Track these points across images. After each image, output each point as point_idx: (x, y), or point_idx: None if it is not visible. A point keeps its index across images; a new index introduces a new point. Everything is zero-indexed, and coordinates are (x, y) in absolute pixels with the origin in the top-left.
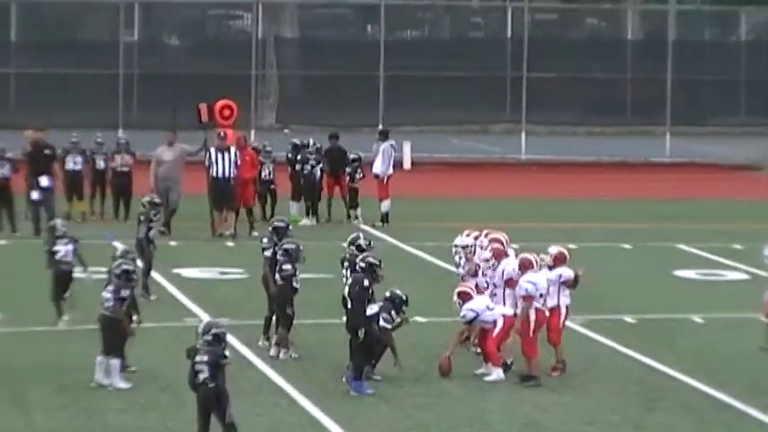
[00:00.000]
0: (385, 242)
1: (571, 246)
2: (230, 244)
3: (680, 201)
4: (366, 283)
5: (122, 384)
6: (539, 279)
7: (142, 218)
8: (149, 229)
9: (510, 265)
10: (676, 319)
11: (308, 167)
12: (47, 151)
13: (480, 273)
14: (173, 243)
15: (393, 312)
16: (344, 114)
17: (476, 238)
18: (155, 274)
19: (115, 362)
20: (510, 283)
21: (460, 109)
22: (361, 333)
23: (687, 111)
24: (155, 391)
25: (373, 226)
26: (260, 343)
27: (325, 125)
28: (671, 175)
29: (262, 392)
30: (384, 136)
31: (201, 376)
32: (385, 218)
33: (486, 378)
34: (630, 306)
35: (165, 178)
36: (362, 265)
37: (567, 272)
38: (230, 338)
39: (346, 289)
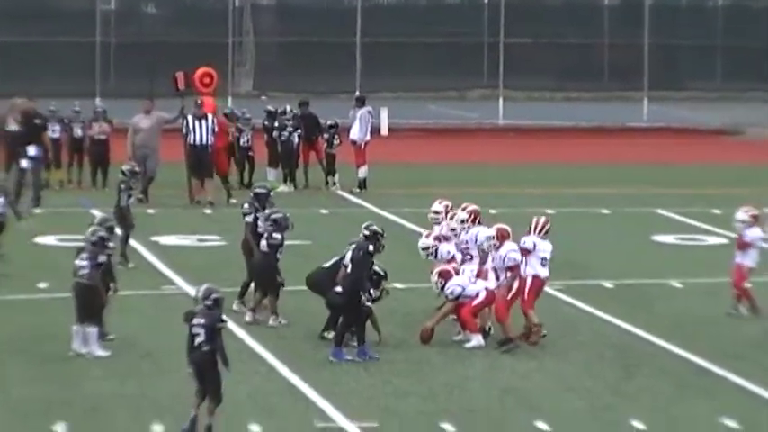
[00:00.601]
0: (363, 208)
1: (548, 211)
2: (208, 211)
3: (658, 166)
4: (371, 249)
5: (101, 352)
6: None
7: (122, 186)
8: (129, 197)
9: (510, 249)
10: (655, 284)
11: (285, 134)
12: (37, 121)
13: (454, 235)
14: (150, 211)
15: (372, 289)
16: (321, 81)
17: (448, 208)
18: (133, 242)
19: (93, 329)
20: (513, 269)
21: (437, 75)
22: (365, 298)
23: (664, 76)
24: (134, 358)
25: (351, 192)
26: (234, 306)
27: (302, 92)
28: (648, 139)
29: (241, 359)
30: (361, 102)
31: (198, 340)
32: (362, 184)
33: (466, 345)
34: (609, 271)
35: (143, 146)
36: (366, 233)
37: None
38: None
39: (348, 254)
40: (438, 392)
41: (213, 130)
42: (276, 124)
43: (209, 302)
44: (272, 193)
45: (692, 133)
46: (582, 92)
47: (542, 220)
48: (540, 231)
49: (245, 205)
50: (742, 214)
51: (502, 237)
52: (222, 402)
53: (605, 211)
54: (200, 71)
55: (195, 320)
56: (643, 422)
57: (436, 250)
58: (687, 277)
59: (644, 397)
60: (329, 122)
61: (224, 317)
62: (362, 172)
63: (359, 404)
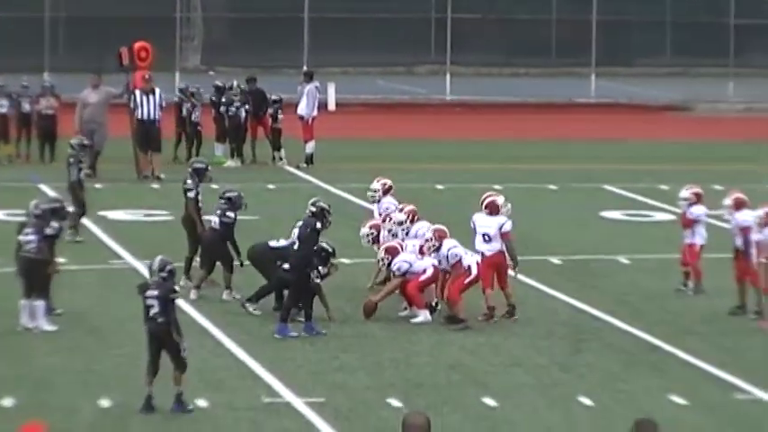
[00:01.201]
0: (310, 183)
1: (496, 187)
2: (155, 186)
3: (606, 142)
4: (318, 226)
5: (48, 327)
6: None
7: (71, 160)
8: (79, 170)
9: (450, 246)
10: (603, 260)
11: (233, 109)
12: None
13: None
14: (98, 185)
15: (320, 266)
16: (269, 56)
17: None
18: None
19: (40, 303)
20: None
21: (385, 50)
22: (314, 275)
23: (612, 51)
24: (81, 333)
25: (298, 167)
26: (180, 282)
27: (249, 67)
28: (596, 115)
29: (188, 334)
30: (308, 77)
31: (152, 311)
32: (309, 159)
33: (413, 320)
34: (557, 247)
35: (90, 121)
36: (313, 209)
37: (507, 224)
38: None
39: (296, 231)
40: (385, 367)
41: (161, 104)
42: (224, 99)
43: (164, 274)
44: (209, 168)
45: (641, 109)
46: (529, 67)
47: (489, 197)
48: (485, 208)
49: (188, 181)
50: (685, 192)
51: (440, 237)
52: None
53: (553, 187)
54: (137, 45)
55: (149, 292)
56: (591, 398)
57: (377, 235)
58: (635, 253)
59: (592, 373)
60: (273, 97)
61: (177, 288)
62: (310, 147)
63: (306, 379)
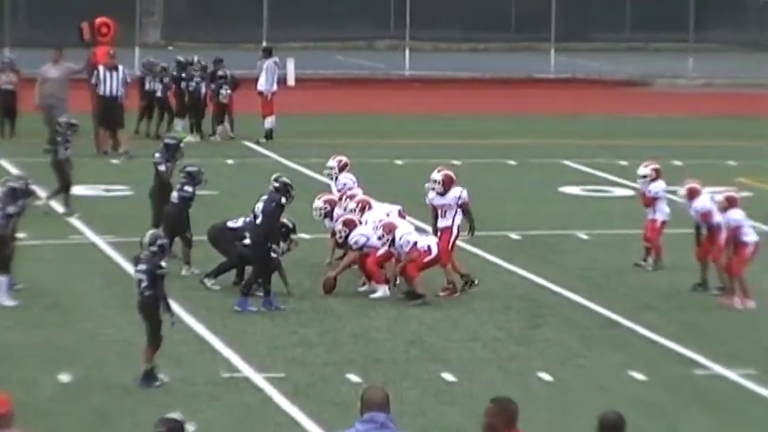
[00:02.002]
0: (269, 159)
1: (455, 162)
2: (115, 161)
3: (565, 117)
4: (283, 201)
5: (9, 302)
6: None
7: (60, 139)
8: (66, 149)
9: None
10: (561, 236)
11: (193, 85)
12: None
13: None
14: None
15: (281, 242)
16: (229, 31)
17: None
18: (42, 192)
19: (3, 279)
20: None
21: (345, 25)
22: (277, 249)
23: (572, 26)
24: (41, 308)
25: (257, 143)
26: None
27: (210, 41)
28: (555, 90)
29: None
30: (267, 53)
31: (141, 285)
32: (269, 134)
33: (372, 295)
34: (515, 222)
35: (50, 96)
36: (276, 185)
37: (464, 193)
38: (115, 256)
39: (260, 204)
40: (344, 343)
41: (125, 81)
42: (184, 75)
43: (154, 248)
44: (182, 145)
45: (600, 84)
46: (489, 43)
47: (442, 171)
48: (441, 185)
49: (157, 155)
50: (643, 169)
51: (390, 230)
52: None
53: (512, 163)
54: (98, 21)
55: (139, 266)
56: (549, 373)
57: (330, 210)
58: (594, 228)
59: (550, 348)
60: (220, 73)
61: (163, 263)
62: (269, 122)
63: (265, 354)
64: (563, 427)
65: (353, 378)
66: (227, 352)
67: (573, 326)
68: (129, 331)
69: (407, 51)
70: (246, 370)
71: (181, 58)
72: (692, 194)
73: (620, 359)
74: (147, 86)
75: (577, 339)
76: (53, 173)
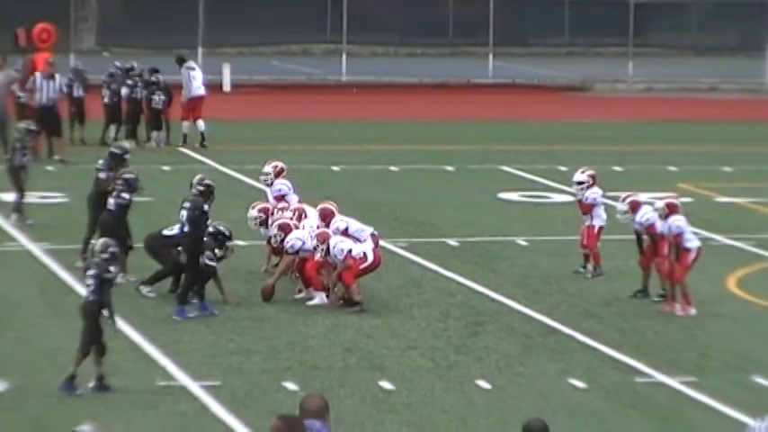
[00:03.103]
0: (204, 165)
1: (393, 168)
2: (50, 168)
3: (503, 122)
4: (206, 207)
5: None
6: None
7: (18, 145)
8: (24, 155)
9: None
10: (500, 242)
11: (129, 92)
12: None
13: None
14: None
15: (216, 249)
16: (164, 37)
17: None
18: None
19: None
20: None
21: (281, 30)
22: (203, 259)
23: (510, 31)
24: None
25: (183, 143)
26: (77, 264)
27: (144, 48)
28: (494, 96)
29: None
30: (181, 60)
31: (87, 290)
32: (184, 138)
33: (309, 302)
34: (454, 229)
35: None
36: (201, 188)
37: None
38: (50, 263)
39: (184, 213)
40: (281, 350)
41: (61, 89)
42: (129, 81)
43: (105, 255)
44: (127, 155)
45: (539, 89)
46: (426, 47)
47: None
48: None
49: (101, 161)
50: (580, 175)
51: (324, 240)
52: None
53: (450, 168)
54: (38, 27)
55: (89, 272)
56: (488, 381)
57: (265, 219)
58: (533, 235)
59: (489, 356)
60: (152, 78)
61: (112, 268)
62: (185, 127)
63: (201, 363)
64: None
65: (290, 386)
66: (164, 360)
67: (512, 333)
68: (64, 339)
69: (344, 56)
70: (183, 378)
71: (118, 64)
72: (635, 207)
73: (560, 366)
74: (75, 93)
75: (516, 347)
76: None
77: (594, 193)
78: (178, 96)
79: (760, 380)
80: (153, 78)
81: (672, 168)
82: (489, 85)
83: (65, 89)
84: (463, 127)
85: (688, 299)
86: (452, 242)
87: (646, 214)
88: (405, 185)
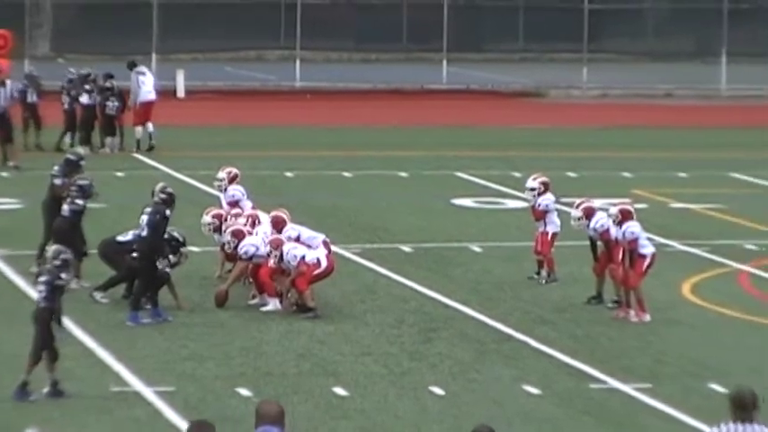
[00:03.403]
0: (158, 170)
1: (347, 174)
2: (4, 174)
3: (457, 128)
4: (167, 213)
5: None
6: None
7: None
8: None
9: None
10: (454, 248)
11: (85, 97)
12: None
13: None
14: None
15: (170, 255)
16: (119, 43)
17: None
18: None
19: None
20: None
21: (234, 36)
22: (161, 264)
23: (464, 37)
24: None
25: (140, 149)
26: (32, 269)
27: (100, 53)
28: (448, 101)
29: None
30: (131, 65)
31: (39, 296)
32: (138, 144)
33: (263, 308)
34: (407, 235)
35: None
36: (163, 196)
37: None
38: (3, 268)
39: (144, 218)
40: (234, 356)
41: (12, 95)
42: (87, 87)
43: (57, 262)
44: (83, 162)
45: (493, 95)
46: (380, 53)
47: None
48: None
49: (56, 167)
50: (532, 182)
51: (277, 246)
52: (45, 360)
53: (404, 174)
54: None
55: (40, 278)
56: (442, 388)
57: (219, 225)
58: (487, 241)
59: (443, 362)
60: (106, 84)
61: (64, 275)
62: (138, 132)
63: (155, 368)
64: None
65: (244, 392)
66: (117, 366)
67: (466, 339)
68: (17, 344)
69: (298, 62)
70: (136, 384)
71: (73, 71)
72: (589, 214)
73: (514, 373)
74: (29, 99)
75: (470, 353)
76: None
77: (547, 200)
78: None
79: (715, 386)
80: (107, 84)
81: (626, 174)
82: (443, 91)
83: (16, 95)
84: (417, 133)
85: (642, 305)
86: (406, 248)
87: (600, 220)
88: (359, 191)
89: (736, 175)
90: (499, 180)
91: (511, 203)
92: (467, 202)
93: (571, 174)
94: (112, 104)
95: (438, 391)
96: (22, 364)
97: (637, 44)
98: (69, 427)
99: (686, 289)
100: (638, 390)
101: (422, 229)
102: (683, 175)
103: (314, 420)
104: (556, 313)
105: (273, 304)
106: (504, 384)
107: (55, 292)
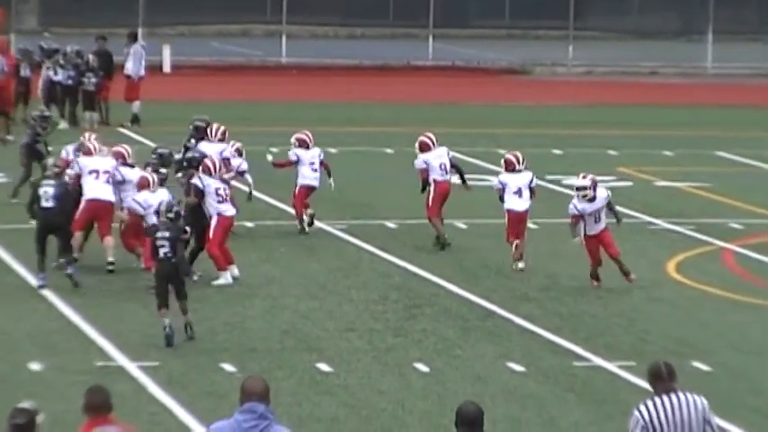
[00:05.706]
0: (143, 145)
1: (332, 150)
2: None
3: (443, 105)
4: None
5: None
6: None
7: (29, 131)
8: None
9: None
10: None
11: (67, 72)
12: None
13: None
14: None
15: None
16: (105, 17)
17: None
18: None
19: None
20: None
21: (220, 11)
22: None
23: (450, 13)
24: None
25: (122, 126)
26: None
27: (86, 28)
28: (433, 78)
29: (21, 298)
30: (133, 38)
31: (162, 251)
32: (135, 119)
33: (214, 282)
34: (392, 211)
35: None
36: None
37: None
38: None
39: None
40: (218, 332)
41: (2, 70)
42: (62, 62)
43: (171, 215)
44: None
45: (479, 72)
46: (366, 29)
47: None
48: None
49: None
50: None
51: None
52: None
53: (389, 151)
54: None
55: (159, 234)
56: (426, 364)
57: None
58: (471, 218)
59: (427, 339)
60: (77, 61)
61: (187, 228)
62: (135, 107)
63: (139, 343)
64: (440, 417)
65: (228, 367)
66: (101, 341)
67: (450, 316)
68: (3, 320)
69: (284, 38)
70: (120, 359)
71: (57, 47)
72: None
73: (498, 350)
74: (22, 73)
75: (454, 330)
76: None
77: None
78: (119, 75)
79: (697, 364)
80: (77, 61)
81: (612, 152)
82: (429, 68)
83: (5, 69)
84: (403, 109)
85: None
86: (391, 224)
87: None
88: (344, 168)
89: (722, 154)
90: (484, 157)
91: (495, 180)
92: (452, 178)
93: (556, 151)
94: (88, 80)
95: (422, 367)
96: (6, 341)
97: (622, 22)
98: (54, 402)
99: (671, 267)
100: (621, 367)
101: (406, 205)
102: (668, 153)
103: (297, 396)
104: (540, 291)
105: (224, 278)
106: (487, 361)
107: (179, 244)
